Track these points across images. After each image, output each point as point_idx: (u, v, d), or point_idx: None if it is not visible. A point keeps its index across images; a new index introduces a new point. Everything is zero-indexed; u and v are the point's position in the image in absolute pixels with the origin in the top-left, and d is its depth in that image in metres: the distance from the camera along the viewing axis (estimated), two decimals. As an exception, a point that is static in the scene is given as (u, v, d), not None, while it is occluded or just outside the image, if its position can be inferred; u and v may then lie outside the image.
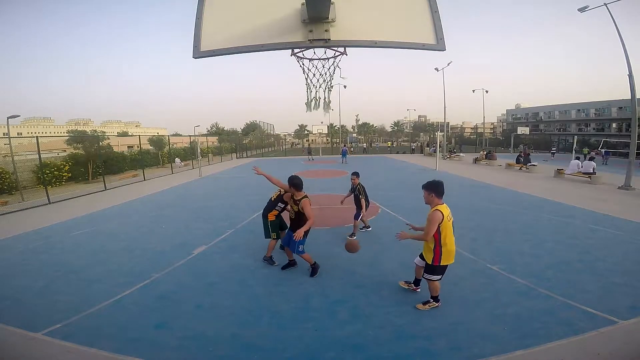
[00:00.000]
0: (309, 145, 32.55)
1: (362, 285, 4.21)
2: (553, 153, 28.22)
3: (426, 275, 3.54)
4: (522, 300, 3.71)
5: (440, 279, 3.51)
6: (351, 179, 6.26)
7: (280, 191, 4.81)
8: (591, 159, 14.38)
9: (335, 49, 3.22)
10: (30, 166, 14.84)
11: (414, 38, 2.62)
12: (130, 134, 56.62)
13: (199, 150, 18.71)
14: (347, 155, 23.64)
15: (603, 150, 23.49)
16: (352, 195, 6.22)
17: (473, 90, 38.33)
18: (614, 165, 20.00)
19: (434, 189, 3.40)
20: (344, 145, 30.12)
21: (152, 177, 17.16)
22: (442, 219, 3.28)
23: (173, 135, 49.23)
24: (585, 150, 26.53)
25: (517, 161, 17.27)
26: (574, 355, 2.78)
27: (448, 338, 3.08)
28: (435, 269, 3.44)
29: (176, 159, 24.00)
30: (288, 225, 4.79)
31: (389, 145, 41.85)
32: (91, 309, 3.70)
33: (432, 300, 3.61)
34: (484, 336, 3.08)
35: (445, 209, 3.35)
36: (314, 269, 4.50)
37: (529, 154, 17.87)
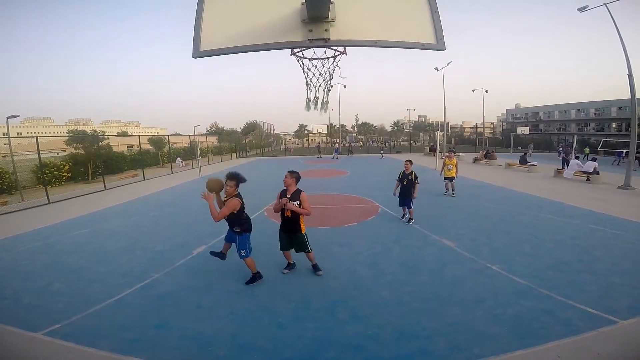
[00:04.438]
0: (319, 144, 34.94)
1: (362, 285, 4.21)
2: (560, 152, 28.34)
3: None
4: (522, 300, 3.71)
5: None
6: (405, 165, 6.80)
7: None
8: (570, 156, 14.53)
9: (335, 48, 3.22)
10: (29, 166, 14.86)
11: (414, 38, 2.61)
12: (130, 133, 56.55)
13: (198, 150, 18.73)
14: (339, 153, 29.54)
15: (624, 151, 23.16)
16: (405, 181, 6.69)
17: (473, 90, 38.20)
18: (613, 165, 20.01)
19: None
20: (336, 144, 35.92)
21: (152, 177, 17.16)
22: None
23: (173, 135, 49.16)
24: (587, 149, 26.67)
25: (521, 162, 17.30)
26: (573, 355, 2.78)
27: (448, 338, 3.08)
28: None
29: (178, 158, 24.00)
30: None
31: (381, 148, 34.78)
32: (91, 309, 3.70)
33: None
34: (484, 336, 3.08)
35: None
36: (252, 278, 4.27)
37: (525, 154, 18.06)
